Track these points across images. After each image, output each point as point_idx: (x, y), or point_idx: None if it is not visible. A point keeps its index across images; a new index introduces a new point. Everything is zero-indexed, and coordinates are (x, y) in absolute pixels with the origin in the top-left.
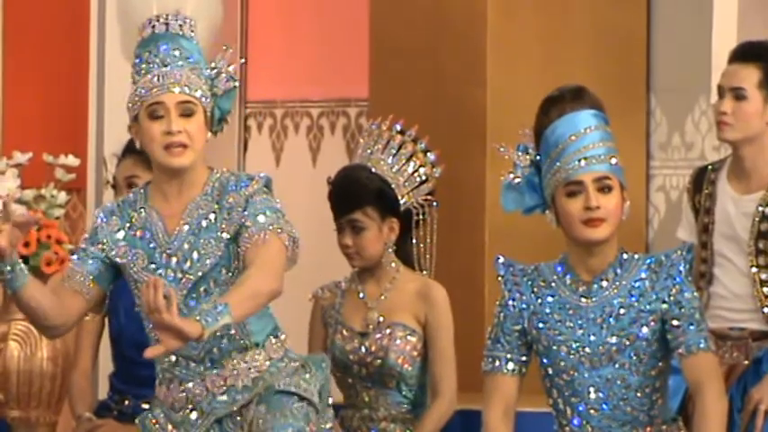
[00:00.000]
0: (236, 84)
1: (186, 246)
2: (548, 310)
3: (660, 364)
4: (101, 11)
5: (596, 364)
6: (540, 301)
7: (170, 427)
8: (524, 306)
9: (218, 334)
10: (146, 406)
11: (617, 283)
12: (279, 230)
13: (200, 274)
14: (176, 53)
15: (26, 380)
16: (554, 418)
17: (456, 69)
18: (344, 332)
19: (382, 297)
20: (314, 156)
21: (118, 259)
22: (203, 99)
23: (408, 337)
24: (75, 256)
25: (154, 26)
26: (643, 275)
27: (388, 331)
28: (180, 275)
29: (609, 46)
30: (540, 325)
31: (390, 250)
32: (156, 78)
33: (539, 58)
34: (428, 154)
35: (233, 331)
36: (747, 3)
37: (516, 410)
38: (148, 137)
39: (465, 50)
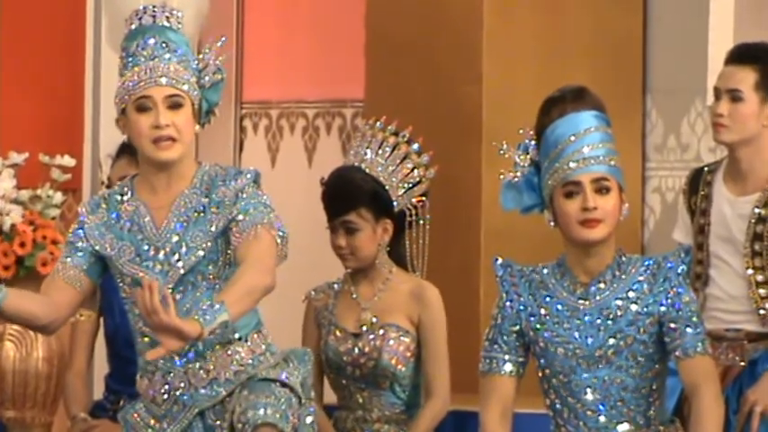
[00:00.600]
0: (224, 76)
1: (174, 239)
2: (545, 312)
3: (657, 366)
4: (97, 12)
5: (593, 365)
6: (537, 302)
7: (152, 420)
8: (522, 307)
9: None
10: None
11: (615, 284)
12: (269, 226)
13: (188, 267)
14: (163, 46)
15: (21, 380)
16: (551, 420)
17: (452, 70)
18: (338, 333)
19: (375, 298)
20: (309, 156)
21: (105, 252)
22: (191, 92)
23: (402, 338)
24: (64, 250)
25: (141, 18)
26: (641, 278)
27: (381, 332)
28: (167, 268)
29: (605, 47)
30: (538, 326)
31: (384, 251)
32: (143, 71)
33: (535, 58)
34: (422, 155)
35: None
36: (743, 5)
37: (513, 412)
38: (136, 130)
39: (461, 51)
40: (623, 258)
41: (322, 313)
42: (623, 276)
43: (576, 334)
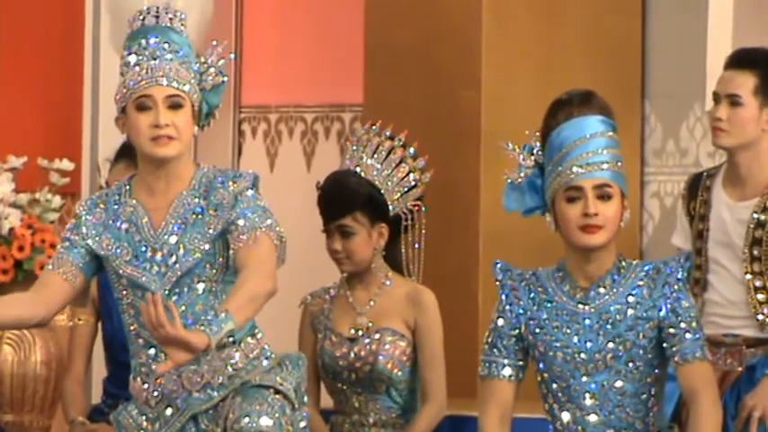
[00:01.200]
0: (225, 79)
1: (172, 240)
2: (545, 316)
3: (656, 371)
4: (95, 16)
5: (592, 370)
6: (537, 306)
7: (144, 423)
8: (521, 311)
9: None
10: None
11: (614, 289)
12: (269, 230)
13: (185, 269)
14: (166, 46)
15: (19, 384)
16: (549, 424)
17: (451, 74)
18: (333, 338)
19: (371, 302)
20: (308, 161)
21: (101, 252)
22: (192, 93)
23: (398, 342)
24: (60, 245)
25: (144, 18)
26: (641, 282)
27: (377, 336)
28: (165, 270)
29: (604, 51)
30: (537, 330)
31: (379, 255)
32: (144, 71)
33: (534, 62)
34: (417, 159)
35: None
36: (742, 9)
37: (513, 416)
38: (135, 129)
39: (460, 55)
40: (623, 263)
41: (318, 318)
42: (623, 281)
43: (576, 338)
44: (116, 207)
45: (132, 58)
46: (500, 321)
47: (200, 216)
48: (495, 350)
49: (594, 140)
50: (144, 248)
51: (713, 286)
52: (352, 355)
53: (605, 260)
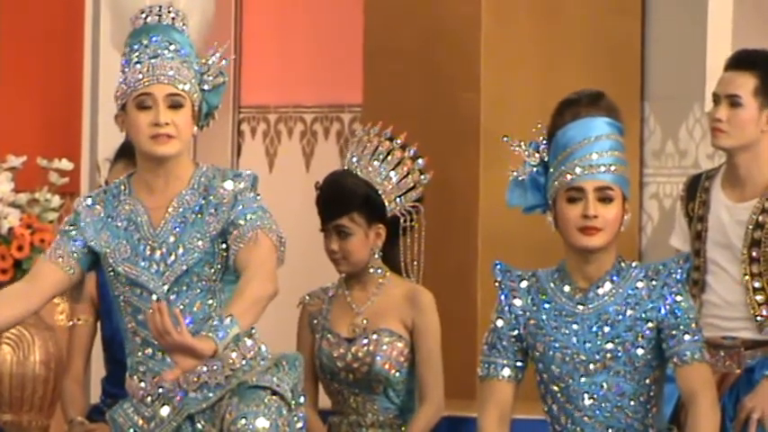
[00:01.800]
0: (226, 79)
1: (172, 239)
2: (544, 317)
3: (655, 372)
4: (95, 15)
5: (591, 371)
6: (536, 307)
7: (140, 421)
8: (521, 312)
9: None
10: None
11: (614, 290)
12: (268, 230)
13: (184, 268)
14: (167, 45)
15: (18, 383)
16: (548, 425)
17: (450, 75)
18: (331, 338)
19: (369, 302)
20: (307, 161)
21: (100, 249)
22: (192, 93)
23: (395, 343)
24: (56, 238)
25: (146, 17)
26: (640, 284)
27: (374, 337)
28: (164, 269)
29: (603, 52)
30: (536, 331)
31: (377, 256)
32: (146, 69)
33: (533, 63)
34: (416, 161)
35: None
36: (742, 11)
37: (512, 417)
38: (135, 127)
39: (459, 56)
40: (622, 264)
41: (316, 318)
42: (622, 282)
43: (575, 339)
44: (115, 205)
45: (133, 57)
46: (499, 322)
47: (199, 215)
48: (494, 351)
49: (599, 142)
50: (143, 247)
51: (712, 287)
52: (350, 355)
53: (605, 261)
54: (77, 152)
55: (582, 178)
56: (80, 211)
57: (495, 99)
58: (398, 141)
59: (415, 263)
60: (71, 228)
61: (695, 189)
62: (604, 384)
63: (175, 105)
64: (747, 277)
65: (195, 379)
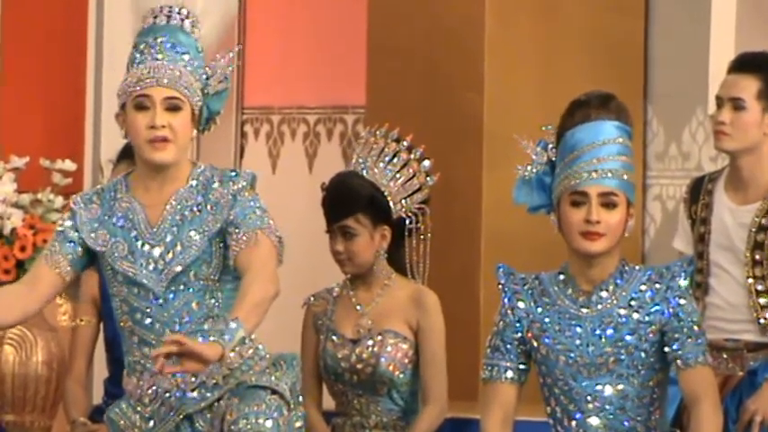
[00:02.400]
0: (228, 86)
1: (169, 237)
2: (547, 319)
3: (658, 374)
4: (99, 16)
5: (594, 373)
6: (539, 309)
7: (138, 421)
8: (524, 314)
9: (190, 329)
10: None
11: (617, 293)
12: (268, 230)
13: (181, 266)
14: (172, 47)
15: (21, 384)
16: (551, 428)
17: (453, 75)
18: (335, 339)
19: (374, 303)
20: (310, 162)
21: (96, 247)
22: (192, 96)
23: (400, 345)
24: (52, 238)
25: (156, 17)
26: (643, 286)
27: (379, 338)
28: (161, 267)
29: (606, 54)
30: (539, 334)
31: (382, 257)
32: (147, 70)
33: (535, 64)
34: (423, 163)
35: (206, 327)
36: (745, 13)
37: (515, 419)
38: (133, 128)
39: (462, 57)
40: (626, 267)
41: (320, 319)
42: (626, 285)
43: (578, 342)
44: (112, 203)
45: (137, 56)
46: (502, 324)
47: (197, 214)
48: (497, 353)
49: (607, 147)
50: (140, 245)
51: (714, 290)
52: (354, 356)
53: (608, 265)
54: (80, 153)
55: (586, 183)
56: (76, 210)
57: (498, 99)
58: (405, 143)
59: (421, 264)
60: (66, 228)
61: (698, 191)
62: (607, 387)
63: (173, 108)
64: (750, 280)
65: (193, 379)
